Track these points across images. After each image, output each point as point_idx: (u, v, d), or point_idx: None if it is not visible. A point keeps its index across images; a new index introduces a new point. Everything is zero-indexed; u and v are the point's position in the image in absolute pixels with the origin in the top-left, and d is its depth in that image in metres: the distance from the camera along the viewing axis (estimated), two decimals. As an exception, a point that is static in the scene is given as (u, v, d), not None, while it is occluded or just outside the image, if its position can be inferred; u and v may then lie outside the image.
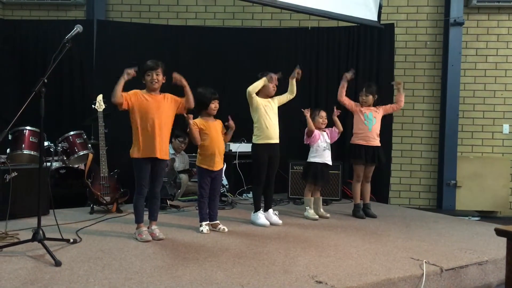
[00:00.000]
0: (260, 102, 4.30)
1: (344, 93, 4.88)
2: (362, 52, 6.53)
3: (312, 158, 4.74)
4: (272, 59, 6.52)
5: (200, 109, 3.97)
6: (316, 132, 4.71)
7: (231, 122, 4.04)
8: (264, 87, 4.29)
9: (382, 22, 6.20)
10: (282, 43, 6.64)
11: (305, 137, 4.74)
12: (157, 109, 3.58)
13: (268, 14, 6.93)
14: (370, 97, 4.86)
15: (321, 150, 4.71)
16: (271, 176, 4.37)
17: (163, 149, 3.62)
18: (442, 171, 6.62)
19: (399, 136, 6.78)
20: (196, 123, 3.90)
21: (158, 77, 3.59)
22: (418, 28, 6.83)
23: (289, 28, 6.81)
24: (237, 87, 6.31)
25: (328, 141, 4.78)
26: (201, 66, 6.49)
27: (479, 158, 6.73)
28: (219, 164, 4.00)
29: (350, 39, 6.57)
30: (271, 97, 4.41)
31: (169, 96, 3.70)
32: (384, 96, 6.36)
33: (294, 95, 4.52)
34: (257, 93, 4.32)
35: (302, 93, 6.53)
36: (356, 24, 6.31)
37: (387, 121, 6.20)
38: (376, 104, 4.92)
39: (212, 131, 3.94)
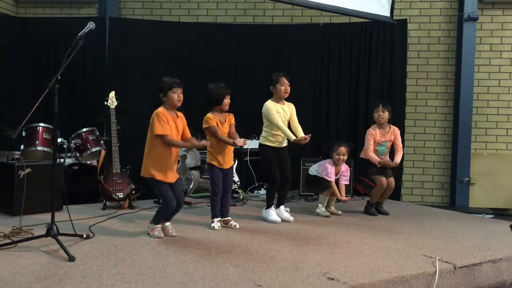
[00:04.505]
0: (274, 108, 4.22)
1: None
2: (374, 48, 6.47)
3: (325, 176, 4.60)
4: (283, 55, 6.50)
5: (213, 105, 3.95)
6: (333, 171, 4.57)
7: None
8: (276, 90, 4.24)
9: (394, 17, 6.13)
10: (294, 39, 6.60)
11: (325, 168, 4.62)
12: (177, 132, 3.54)
13: (280, 11, 6.90)
14: (386, 113, 4.73)
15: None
16: (287, 174, 4.30)
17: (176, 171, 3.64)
18: (455, 168, 6.55)
19: (412, 133, 6.72)
20: (215, 119, 3.88)
21: (182, 95, 3.54)
22: (432, 23, 6.75)
23: (300, 24, 6.77)
24: (249, 84, 6.34)
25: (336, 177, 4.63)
26: (212, 62, 6.48)
27: (493, 155, 6.65)
28: (229, 162, 4.00)
29: (362, 35, 6.51)
30: (285, 101, 4.33)
31: (183, 116, 3.65)
32: (396, 100, 6.34)
33: (291, 140, 4.16)
34: (271, 97, 4.28)
35: (314, 91, 6.57)
36: (368, 20, 6.27)
37: (399, 117, 6.17)
38: (389, 121, 4.82)
39: (224, 130, 3.92)
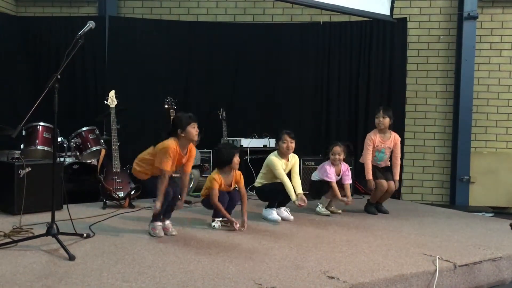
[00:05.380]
0: (280, 164, 4.23)
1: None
2: (374, 47, 6.47)
3: (325, 177, 4.59)
4: (283, 54, 6.51)
5: (223, 165, 3.94)
6: (332, 171, 4.57)
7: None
8: (279, 147, 4.27)
9: (394, 16, 6.13)
10: (294, 38, 6.60)
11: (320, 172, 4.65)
12: (178, 165, 3.56)
13: (280, 9, 6.89)
14: (387, 119, 4.70)
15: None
16: (297, 183, 4.30)
17: None
18: (455, 166, 6.55)
19: (412, 131, 6.72)
20: (219, 180, 3.88)
21: (197, 128, 3.56)
22: (431, 22, 6.75)
23: (300, 23, 6.77)
24: (248, 82, 6.35)
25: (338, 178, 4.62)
26: (212, 61, 6.49)
27: (493, 153, 6.65)
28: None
29: (362, 34, 6.51)
30: (288, 156, 4.33)
31: (193, 151, 3.67)
32: (396, 99, 6.34)
33: (292, 197, 4.17)
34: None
35: (314, 89, 6.56)
36: (368, 19, 6.26)
37: (399, 116, 6.16)
38: (390, 126, 4.79)
39: (225, 190, 3.96)
